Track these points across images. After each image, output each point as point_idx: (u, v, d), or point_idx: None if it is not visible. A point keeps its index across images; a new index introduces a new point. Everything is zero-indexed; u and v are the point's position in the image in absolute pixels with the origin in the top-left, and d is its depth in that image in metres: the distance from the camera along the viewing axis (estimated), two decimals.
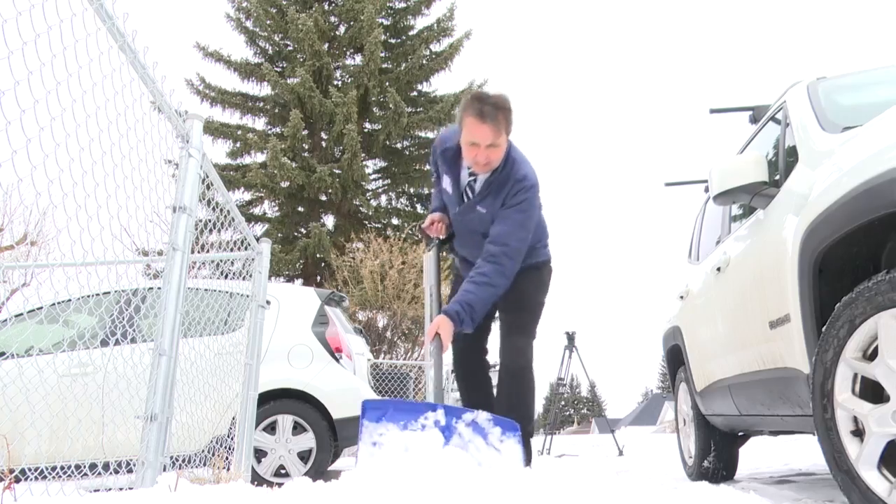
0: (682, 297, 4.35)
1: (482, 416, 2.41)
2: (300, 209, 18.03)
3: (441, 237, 3.28)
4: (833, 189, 2.16)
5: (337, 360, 4.93)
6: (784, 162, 2.88)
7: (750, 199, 2.87)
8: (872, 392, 1.94)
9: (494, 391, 3.23)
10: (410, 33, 19.49)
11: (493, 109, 2.75)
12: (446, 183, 3.11)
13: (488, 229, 2.93)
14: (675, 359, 4.61)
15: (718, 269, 3.47)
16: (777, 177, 2.88)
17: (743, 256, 3.12)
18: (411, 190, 18.90)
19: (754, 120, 3.96)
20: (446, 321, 2.72)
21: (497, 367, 3.22)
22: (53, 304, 3.05)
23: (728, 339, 3.34)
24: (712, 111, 4.41)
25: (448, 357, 3.20)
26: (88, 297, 3.00)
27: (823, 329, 2.11)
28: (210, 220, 3.06)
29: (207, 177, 2.69)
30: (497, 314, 3.27)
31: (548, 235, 3.28)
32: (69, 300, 3.20)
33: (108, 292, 3.19)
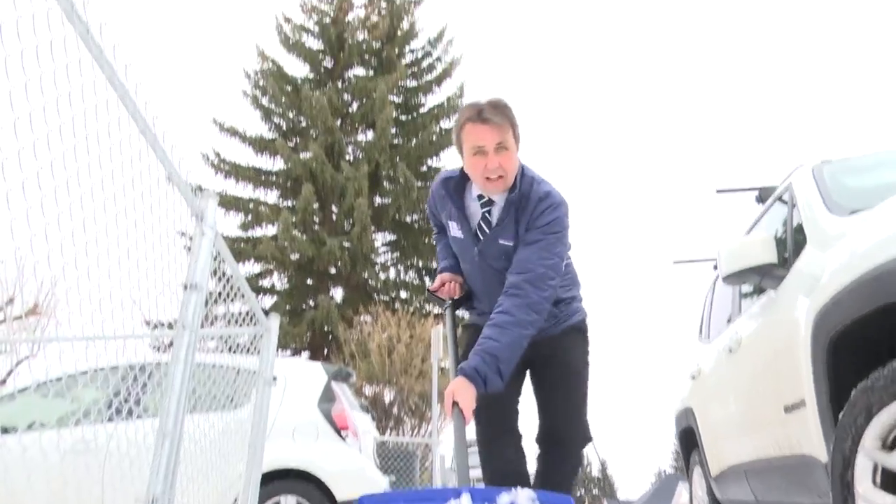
0: (693, 378, 4.28)
1: (523, 496, 1.86)
2: (309, 281, 18.13)
3: (454, 297, 2.84)
4: (845, 272, 2.16)
5: (343, 438, 4.83)
6: (792, 242, 2.90)
7: (760, 280, 2.87)
8: (895, 483, 1.88)
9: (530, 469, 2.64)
10: (421, 111, 20.09)
11: (491, 107, 2.35)
12: (454, 228, 2.62)
13: None
14: (689, 441, 4.49)
15: (730, 349, 3.42)
16: (786, 255, 2.89)
17: (755, 337, 3.08)
18: (420, 263, 19.04)
19: (760, 200, 4.01)
20: (465, 384, 2.18)
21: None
22: (59, 379, 3.04)
23: (742, 423, 3.27)
24: (719, 191, 4.48)
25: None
26: (96, 371, 2.98)
27: (840, 416, 2.06)
28: (219, 294, 3.07)
29: (219, 254, 2.72)
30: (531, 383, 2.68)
31: (579, 285, 2.76)
32: (74, 375, 3.18)
33: (116, 367, 3.18)
